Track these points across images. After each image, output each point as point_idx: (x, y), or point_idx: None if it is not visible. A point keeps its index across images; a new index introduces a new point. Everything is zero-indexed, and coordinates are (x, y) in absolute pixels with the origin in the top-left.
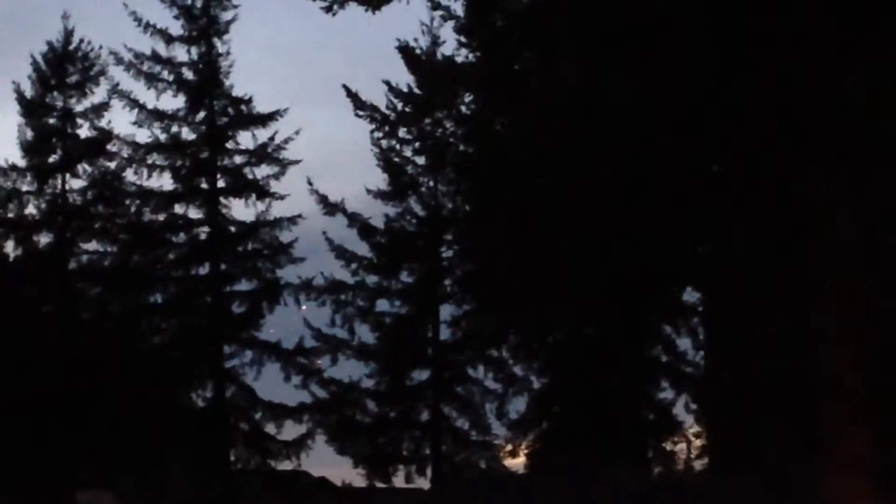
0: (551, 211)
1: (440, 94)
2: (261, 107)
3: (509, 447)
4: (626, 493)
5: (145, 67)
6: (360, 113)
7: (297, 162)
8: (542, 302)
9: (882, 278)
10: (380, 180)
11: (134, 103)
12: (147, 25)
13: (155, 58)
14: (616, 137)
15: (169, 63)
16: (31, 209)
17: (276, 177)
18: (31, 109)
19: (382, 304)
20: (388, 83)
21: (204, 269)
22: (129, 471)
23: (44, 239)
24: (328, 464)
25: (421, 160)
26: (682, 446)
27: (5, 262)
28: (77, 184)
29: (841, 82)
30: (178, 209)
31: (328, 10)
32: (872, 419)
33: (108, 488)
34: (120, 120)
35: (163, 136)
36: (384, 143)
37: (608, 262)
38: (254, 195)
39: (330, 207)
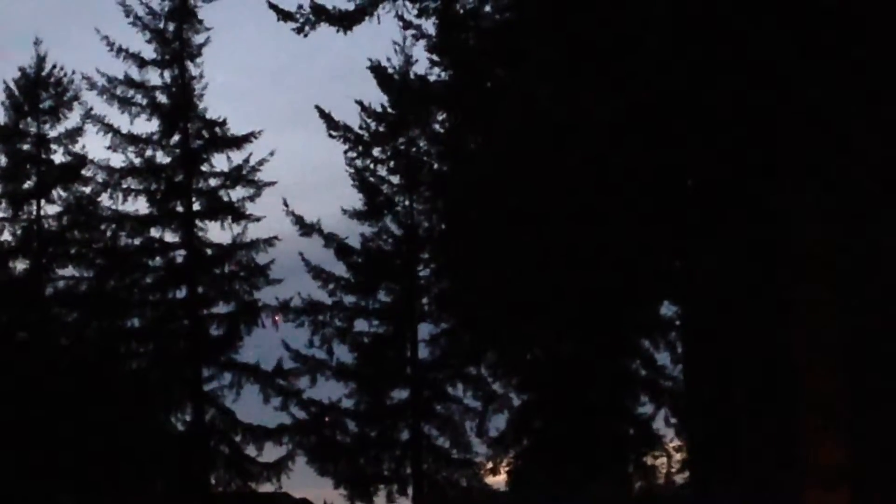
0: (525, 229)
1: (413, 114)
2: (235, 129)
3: (490, 465)
4: None
5: (118, 92)
6: (334, 133)
7: (272, 183)
8: (518, 320)
9: (853, 288)
10: (355, 200)
11: (108, 128)
12: (119, 50)
13: (128, 82)
14: (588, 154)
15: (142, 87)
16: (6, 236)
17: (252, 199)
18: (5, 136)
19: (360, 324)
20: (360, 103)
21: (181, 293)
22: (109, 495)
23: (20, 265)
24: (309, 485)
25: (396, 179)
26: (662, 460)
27: None
28: (52, 209)
29: (810, 92)
30: (154, 233)
31: (300, 31)
32: (849, 431)
33: None
34: (94, 145)
35: (137, 160)
36: (358, 162)
37: (584, 278)
38: (229, 217)
39: (306, 228)
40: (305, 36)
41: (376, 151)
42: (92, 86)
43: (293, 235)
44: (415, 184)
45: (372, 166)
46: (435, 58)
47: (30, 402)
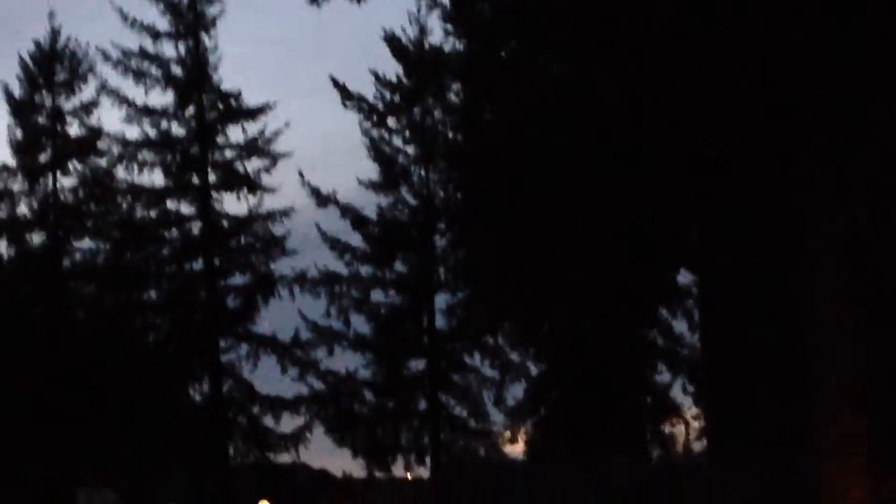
0: (542, 199)
1: (428, 84)
2: (250, 100)
3: (508, 434)
4: (625, 477)
5: (133, 64)
6: (348, 104)
7: (287, 155)
8: (535, 291)
9: (872, 262)
10: (371, 171)
11: (123, 100)
12: (133, 22)
13: (142, 54)
14: (605, 126)
15: (156, 59)
16: (22, 209)
17: (268, 170)
18: (21, 109)
19: (377, 295)
20: (375, 73)
21: (197, 265)
22: (128, 467)
23: (36, 238)
24: (328, 456)
25: (411, 150)
26: (680, 429)
27: None
28: (68, 182)
29: (827, 73)
30: (170, 205)
31: (313, 0)
32: (867, 400)
33: (107, 485)
34: (109, 117)
35: (152, 133)
36: (374, 133)
37: (600, 246)
38: (245, 189)
39: (322, 199)
40: (319, 6)
41: (391, 122)
42: (106, 58)
43: (309, 206)
44: (431, 154)
45: (387, 137)
46: (450, 28)
47: (47, 375)
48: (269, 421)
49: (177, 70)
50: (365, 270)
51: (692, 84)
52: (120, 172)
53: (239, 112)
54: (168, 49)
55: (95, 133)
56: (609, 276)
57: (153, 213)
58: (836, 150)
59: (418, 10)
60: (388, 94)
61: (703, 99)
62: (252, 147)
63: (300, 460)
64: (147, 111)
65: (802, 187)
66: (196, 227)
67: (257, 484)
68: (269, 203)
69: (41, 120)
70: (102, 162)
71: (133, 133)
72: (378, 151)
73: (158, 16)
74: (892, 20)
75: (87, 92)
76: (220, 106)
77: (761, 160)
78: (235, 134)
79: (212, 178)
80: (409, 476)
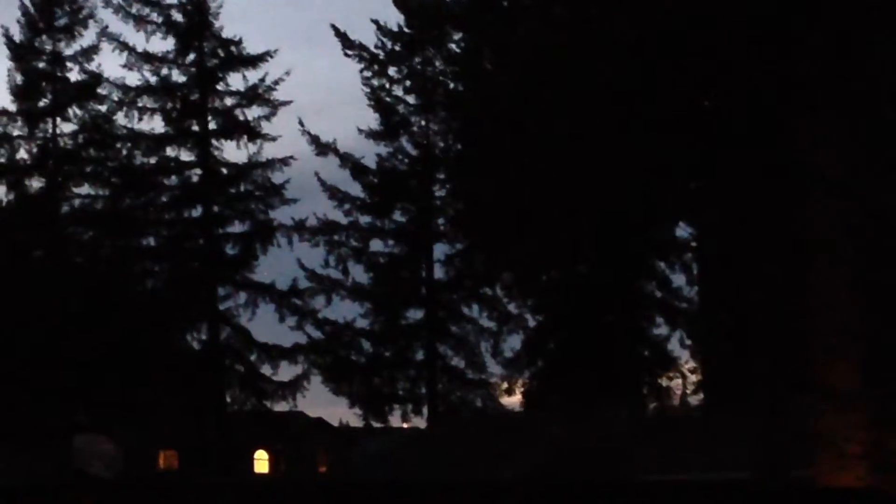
0: (542, 149)
1: (429, 33)
2: (251, 48)
3: (505, 385)
4: (622, 429)
5: (134, 9)
6: (349, 52)
7: (288, 103)
8: (534, 241)
9: (869, 213)
10: (371, 120)
11: (123, 46)
12: None
13: (143, 0)
14: (606, 75)
15: (157, 5)
16: (21, 154)
17: (268, 118)
18: (21, 53)
19: (376, 244)
20: (376, 22)
21: (196, 212)
22: (125, 414)
23: (35, 183)
24: (325, 404)
25: (411, 99)
26: (677, 382)
27: None
28: (67, 128)
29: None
30: (170, 152)
31: None
32: (865, 353)
33: (104, 432)
34: (109, 63)
35: (153, 79)
36: (374, 82)
37: (600, 199)
38: (245, 137)
39: (322, 148)
40: None
41: (392, 71)
42: (107, 3)
43: (309, 155)
44: (431, 104)
45: (387, 86)
46: None
47: (45, 320)
48: (266, 369)
49: (177, 16)
50: (364, 220)
51: (694, 29)
52: (119, 118)
53: (239, 59)
54: None
55: (95, 78)
56: (608, 227)
57: (152, 160)
58: (833, 89)
59: None
60: (389, 43)
61: (705, 44)
62: (252, 94)
63: (297, 408)
64: (147, 57)
65: (800, 129)
66: (195, 175)
67: (255, 431)
68: (269, 151)
69: (41, 64)
70: (102, 107)
71: (133, 79)
72: (378, 100)
73: None
74: None
75: (87, 37)
76: (221, 53)
77: (760, 105)
78: (236, 81)
79: (212, 125)
80: (405, 426)
